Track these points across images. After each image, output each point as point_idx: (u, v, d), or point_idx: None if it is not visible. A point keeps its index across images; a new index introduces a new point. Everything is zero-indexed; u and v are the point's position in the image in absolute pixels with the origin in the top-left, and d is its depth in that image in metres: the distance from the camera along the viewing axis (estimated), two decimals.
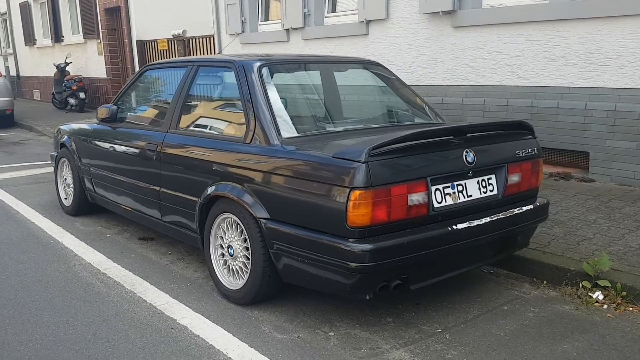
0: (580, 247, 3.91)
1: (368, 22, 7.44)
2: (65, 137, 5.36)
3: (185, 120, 3.89)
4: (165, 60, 4.89)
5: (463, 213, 3.09)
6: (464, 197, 3.11)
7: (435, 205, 2.97)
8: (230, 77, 3.58)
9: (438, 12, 6.51)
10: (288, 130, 3.28)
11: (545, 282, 3.67)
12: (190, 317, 3.25)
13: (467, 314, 3.27)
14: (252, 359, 2.79)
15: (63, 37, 15.98)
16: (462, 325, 3.13)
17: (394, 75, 4.26)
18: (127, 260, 4.17)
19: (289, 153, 3.08)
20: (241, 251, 3.34)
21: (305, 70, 3.96)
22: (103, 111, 4.61)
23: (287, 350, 2.87)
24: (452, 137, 3.09)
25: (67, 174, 5.41)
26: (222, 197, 3.38)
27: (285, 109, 3.45)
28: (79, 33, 15.23)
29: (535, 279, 3.74)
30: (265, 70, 3.51)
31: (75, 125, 5.30)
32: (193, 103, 3.93)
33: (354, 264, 2.71)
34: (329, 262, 2.82)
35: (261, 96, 3.34)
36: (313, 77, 3.98)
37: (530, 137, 3.50)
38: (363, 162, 2.69)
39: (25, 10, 17.84)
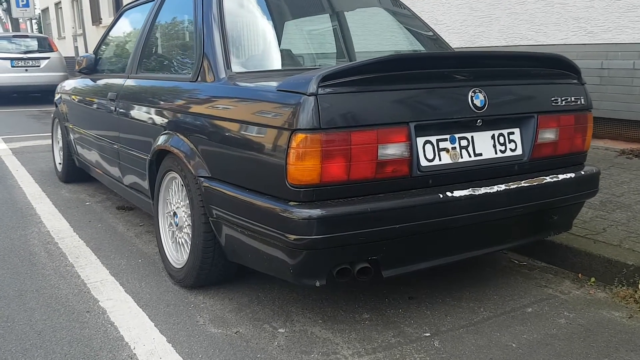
0: None
1: None
2: (58, 95, 4.86)
3: (144, 63, 3.23)
4: None
5: (467, 177, 2.25)
6: (470, 156, 2.26)
7: (424, 163, 2.14)
8: (191, 4, 2.88)
9: None
10: (243, 63, 2.55)
11: (593, 279, 2.76)
12: (117, 299, 2.60)
13: (473, 315, 2.43)
14: (161, 358, 2.10)
15: None
16: (461, 329, 2.30)
17: (405, 6, 3.43)
18: (89, 231, 3.59)
19: (228, 89, 2.35)
20: (186, 220, 2.64)
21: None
22: (81, 60, 4.04)
23: (212, 349, 2.15)
24: (451, 69, 2.24)
25: (60, 136, 4.91)
26: (168, 151, 2.70)
27: (252, 39, 2.72)
28: None
29: (580, 276, 2.83)
30: None
31: (68, 82, 4.77)
32: (154, 41, 3.25)
33: (293, 236, 1.95)
34: (266, 234, 2.07)
35: (215, 21, 2.60)
36: (300, 6, 3.19)
37: (575, 81, 2.58)
38: (309, 95, 1.92)
39: None
